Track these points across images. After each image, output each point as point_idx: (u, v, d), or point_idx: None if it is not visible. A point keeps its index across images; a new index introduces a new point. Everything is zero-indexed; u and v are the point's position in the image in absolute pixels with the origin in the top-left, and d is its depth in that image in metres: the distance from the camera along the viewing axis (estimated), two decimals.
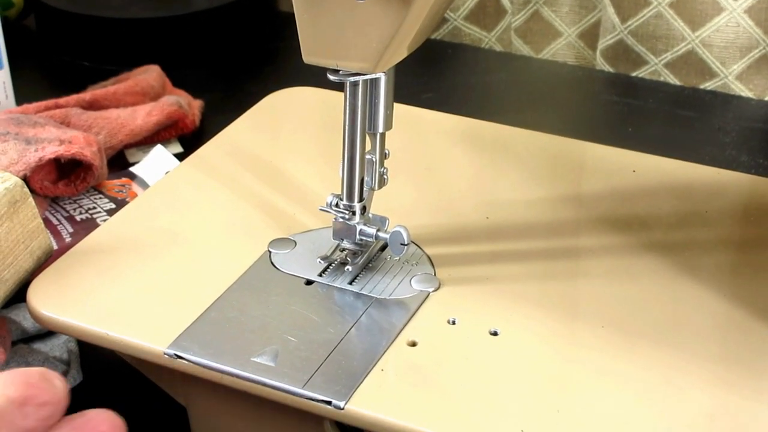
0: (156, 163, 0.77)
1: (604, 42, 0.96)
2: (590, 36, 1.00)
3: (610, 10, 0.94)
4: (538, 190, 0.65)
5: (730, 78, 0.92)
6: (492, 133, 0.72)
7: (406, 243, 0.55)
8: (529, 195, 0.65)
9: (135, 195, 0.73)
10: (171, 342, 0.52)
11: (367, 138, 0.56)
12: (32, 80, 0.96)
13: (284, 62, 1.01)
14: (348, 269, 0.57)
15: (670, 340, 0.53)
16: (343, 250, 0.58)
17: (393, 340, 0.52)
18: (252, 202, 0.64)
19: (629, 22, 0.93)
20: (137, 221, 0.62)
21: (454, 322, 0.54)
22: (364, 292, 0.56)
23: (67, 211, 0.70)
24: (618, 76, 0.96)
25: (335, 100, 0.75)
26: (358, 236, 0.57)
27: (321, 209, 0.57)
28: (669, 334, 0.53)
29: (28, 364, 0.58)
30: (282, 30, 1.04)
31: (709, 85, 0.93)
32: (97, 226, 0.69)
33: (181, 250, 0.60)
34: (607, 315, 0.54)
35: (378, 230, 0.56)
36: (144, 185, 0.75)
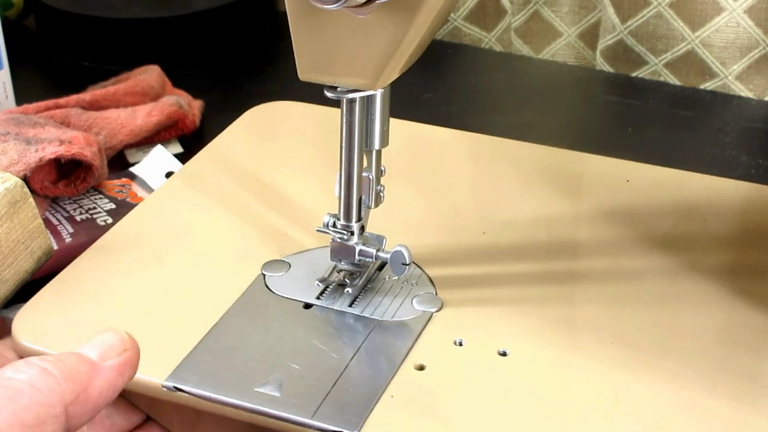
0: (156, 164, 0.77)
1: (604, 42, 0.96)
2: (590, 36, 1.00)
3: (610, 11, 0.94)
4: (536, 204, 0.64)
5: (730, 78, 0.92)
6: (486, 146, 0.71)
7: (407, 263, 0.54)
8: (526, 209, 0.64)
9: (135, 195, 0.74)
10: (169, 374, 0.50)
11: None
12: (32, 80, 0.96)
13: (284, 62, 1.01)
14: (348, 291, 0.56)
15: (682, 356, 0.52)
16: (341, 270, 0.57)
17: (400, 365, 0.51)
18: (241, 221, 0.62)
19: (629, 23, 0.93)
20: (123, 244, 0.60)
21: (461, 344, 0.52)
22: (366, 314, 0.54)
23: (68, 212, 0.70)
24: (618, 77, 0.96)
25: (317, 114, 0.74)
26: (357, 257, 0.55)
27: (318, 230, 0.56)
28: (680, 349, 0.52)
29: None
30: (282, 30, 1.03)
31: (709, 85, 0.93)
32: (97, 226, 0.69)
33: (170, 274, 0.58)
34: (615, 331, 0.53)
35: (378, 250, 0.55)
36: (144, 185, 0.75)
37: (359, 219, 0.55)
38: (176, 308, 0.55)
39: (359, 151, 0.54)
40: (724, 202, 0.65)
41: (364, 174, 0.55)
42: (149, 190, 0.75)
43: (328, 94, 0.51)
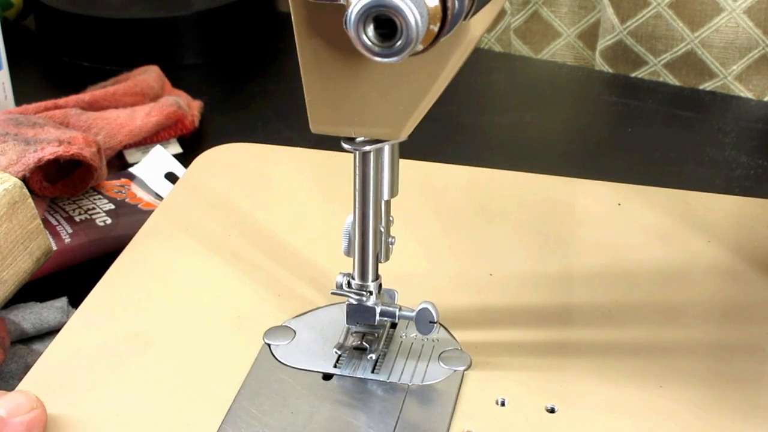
0: (155, 164, 0.77)
1: (603, 42, 0.96)
2: (589, 36, 1.00)
3: (610, 11, 0.94)
4: (539, 239, 0.62)
5: (730, 78, 0.92)
6: (479, 180, 0.68)
7: (435, 321, 0.50)
8: (529, 245, 0.61)
9: (134, 195, 0.73)
10: None
11: None
12: (32, 80, 0.96)
13: (284, 62, 1.01)
14: (371, 357, 0.51)
15: (733, 403, 0.49)
16: (354, 333, 0.52)
17: None
18: (225, 285, 0.57)
19: (628, 23, 0.93)
20: (96, 326, 0.54)
21: (503, 403, 0.49)
22: (393, 380, 0.50)
23: (67, 212, 0.70)
24: (617, 77, 0.96)
25: (270, 155, 0.71)
26: (378, 318, 0.51)
27: (333, 293, 0.51)
28: (728, 396, 0.50)
29: (27, 365, 0.58)
30: (282, 30, 1.04)
31: (708, 85, 0.93)
32: (96, 226, 0.69)
33: (160, 356, 0.52)
34: (649, 369, 0.51)
35: (400, 309, 0.51)
36: (143, 186, 0.75)
37: (376, 278, 0.51)
38: (179, 396, 0.49)
39: (374, 205, 0.49)
40: (729, 219, 0.64)
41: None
42: (148, 190, 0.75)
43: (346, 146, 0.47)
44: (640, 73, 0.95)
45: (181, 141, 0.83)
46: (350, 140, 0.47)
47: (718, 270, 0.59)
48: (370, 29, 0.38)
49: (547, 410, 0.49)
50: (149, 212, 0.72)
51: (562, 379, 0.50)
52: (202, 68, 0.98)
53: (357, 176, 0.49)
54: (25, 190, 0.58)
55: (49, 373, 0.52)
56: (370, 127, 0.46)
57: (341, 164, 0.68)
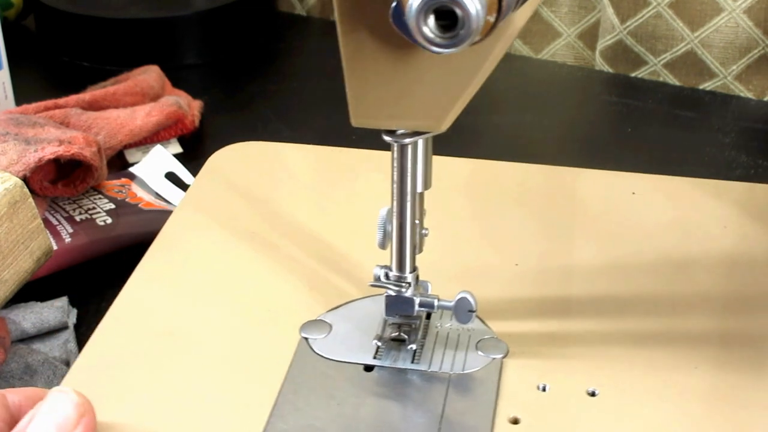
0: (155, 164, 0.77)
1: (603, 42, 0.96)
2: (589, 36, 1.00)
3: (610, 11, 0.94)
4: (553, 228, 0.62)
5: (730, 78, 0.92)
6: (489, 172, 0.68)
7: (474, 309, 0.51)
8: (547, 234, 0.62)
9: (134, 195, 0.73)
10: None
11: None
12: (32, 80, 0.96)
13: (284, 62, 1.01)
14: (412, 347, 0.52)
15: None
16: (392, 324, 0.53)
17: (493, 421, 0.48)
18: (256, 281, 0.57)
19: (628, 23, 0.93)
20: (130, 327, 0.54)
21: (544, 389, 0.50)
22: (434, 369, 0.51)
23: (67, 212, 0.70)
24: (617, 77, 0.96)
25: (285, 152, 0.71)
26: (417, 308, 0.51)
27: (372, 285, 0.51)
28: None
29: (27, 365, 0.58)
30: (282, 30, 1.04)
31: (708, 85, 0.93)
32: (96, 226, 0.69)
33: (198, 355, 0.52)
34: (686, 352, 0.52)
35: (438, 299, 0.51)
36: (143, 185, 0.75)
37: (414, 269, 0.51)
38: (222, 392, 0.50)
39: (412, 197, 0.50)
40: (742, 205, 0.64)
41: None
42: (149, 190, 0.75)
43: (387, 138, 0.48)
44: (640, 73, 0.96)
45: (182, 141, 0.83)
46: (390, 133, 0.48)
47: (737, 254, 0.60)
48: (431, 20, 0.39)
49: (588, 394, 0.49)
50: (150, 212, 0.72)
51: (599, 365, 0.51)
52: (202, 68, 0.98)
53: (395, 169, 0.49)
54: (26, 190, 0.58)
55: (86, 377, 0.51)
56: (412, 119, 0.46)
57: (356, 160, 0.69)
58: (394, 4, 0.40)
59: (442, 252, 0.59)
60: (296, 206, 0.64)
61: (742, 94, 0.92)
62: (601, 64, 0.97)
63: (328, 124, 0.87)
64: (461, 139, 0.84)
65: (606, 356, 0.52)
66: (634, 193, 0.65)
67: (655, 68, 0.95)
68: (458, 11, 0.38)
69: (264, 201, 0.65)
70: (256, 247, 0.60)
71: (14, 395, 0.47)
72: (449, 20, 0.38)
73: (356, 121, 0.47)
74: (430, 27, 0.39)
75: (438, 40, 0.39)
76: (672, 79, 0.94)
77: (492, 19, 0.39)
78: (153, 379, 0.51)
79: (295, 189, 0.67)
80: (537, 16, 1.02)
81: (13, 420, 0.45)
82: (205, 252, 0.60)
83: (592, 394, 0.49)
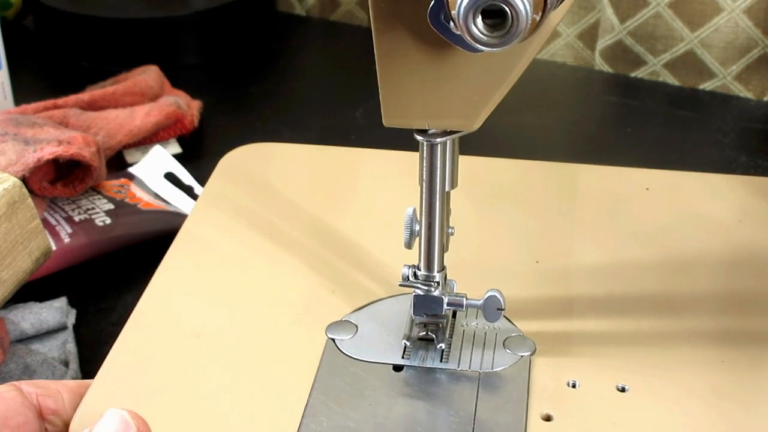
0: (155, 164, 0.77)
1: (603, 42, 0.96)
2: (589, 36, 1.00)
3: (609, 11, 0.94)
4: (573, 223, 0.62)
5: (729, 78, 0.92)
6: (500, 169, 0.68)
7: (503, 307, 0.50)
8: (568, 230, 0.62)
9: (133, 195, 0.73)
10: None
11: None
12: (31, 80, 0.96)
13: (284, 62, 1.01)
14: (441, 347, 0.52)
15: None
16: (419, 323, 0.53)
17: (527, 419, 0.48)
18: (278, 282, 0.57)
19: (628, 23, 0.93)
20: (155, 331, 0.54)
21: (574, 385, 0.50)
22: (464, 368, 0.51)
23: (66, 212, 0.70)
24: (617, 77, 0.96)
25: (296, 153, 0.71)
26: (445, 307, 0.51)
27: (401, 285, 0.51)
28: None
29: (26, 365, 0.58)
30: (282, 30, 1.04)
31: (708, 85, 0.93)
32: (95, 226, 0.69)
33: (225, 358, 0.52)
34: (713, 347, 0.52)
35: (466, 298, 0.51)
36: (143, 186, 0.75)
37: (442, 268, 0.51)
38: (252, 394, 0.50)
39: (440, 197, 0.49)
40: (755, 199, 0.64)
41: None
42: (148, 190, 0.75)
43: (419, 138, 0.48)
44: (640, 73, 0.96)
45: (181, 141, 0.83)
46: (422, 132, 0.48)
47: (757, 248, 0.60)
48: (479, 20, 0.39)
49: (618, 389, 0.50)
50: (149, 212, 0.72)
51: (627, 361, 0.51)
52: (202, 68, 0.98)
53: (424, 168, 0.49)
54: (25, 190, 0.58)
55: (113, 382, 0.50)
56: (446, 118, 0.46)
57: (368, 161, 0.69)
58: (432, 3, 0.40)
59: (462, 250, 0.58)
60: (312, 206, 0.64)
61: (741, 94, 0.92)
62: (600, 64, 0.97)
63: (328, 124, 0.87)
64: (461, 139, 0.84)
65: (633, 352, 0.52)
66: (647, 189, 0.65)
67: (654, 68, 0.95)
68: (508, 10, 0.38)
69: (282, 201, 0.65)
70: (276, 247, 0.60)
71: (27, 386, 0.47)
72: (496, 18, 0.38)
73: (388, 121, 0.46)
74: (478, 26, 0.39)
75: (486, 39, 0.39)
76: (672, 79, 0.94)
77: (537, 17, 0.39)
78: (182, 383, 0.50)
79: (310, 191, 0.66)
80: None
81: (35, 408, 0.46)
82: (226, 253, 0.60)
83: (623, 390, 0.50)
